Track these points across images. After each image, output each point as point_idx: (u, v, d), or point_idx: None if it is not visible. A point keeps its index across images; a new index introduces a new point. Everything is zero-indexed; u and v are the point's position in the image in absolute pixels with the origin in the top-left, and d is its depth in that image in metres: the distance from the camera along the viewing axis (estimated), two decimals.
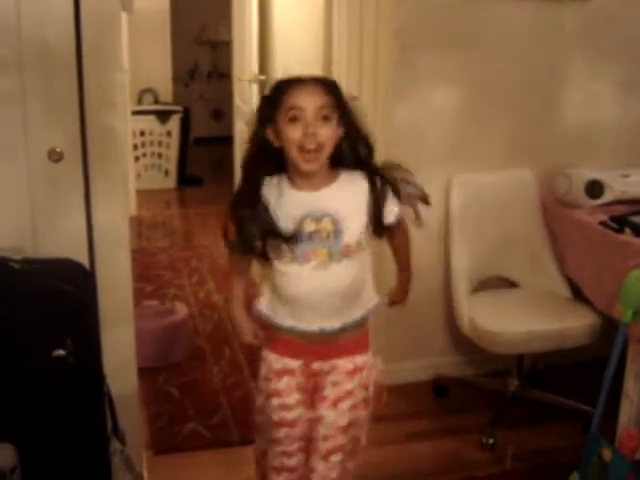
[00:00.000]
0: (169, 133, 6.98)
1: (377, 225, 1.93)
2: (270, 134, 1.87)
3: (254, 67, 5.35)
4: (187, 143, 7.22)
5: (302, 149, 1.80)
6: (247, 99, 5.52)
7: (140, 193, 6.35)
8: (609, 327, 2.78)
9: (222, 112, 8.18)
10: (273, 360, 2.00)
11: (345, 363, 1.97)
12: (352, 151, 1.91)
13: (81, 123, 2.22)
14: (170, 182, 7.09)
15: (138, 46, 6.33)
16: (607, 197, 3.10)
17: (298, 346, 1.97)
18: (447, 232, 3.24)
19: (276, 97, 1.84)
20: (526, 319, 3.02)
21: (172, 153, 7.03)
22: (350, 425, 1.98)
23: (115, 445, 2.29)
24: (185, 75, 8.62)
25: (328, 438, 1.97)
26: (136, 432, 2.56)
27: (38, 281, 2.09)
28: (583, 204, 3.10)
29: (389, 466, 2.53)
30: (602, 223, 2.92)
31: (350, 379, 1.97)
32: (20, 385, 2.06)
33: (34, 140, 2.22)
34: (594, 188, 3.09)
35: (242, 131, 5.87)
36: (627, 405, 2.63)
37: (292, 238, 1.86)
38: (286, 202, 1.87)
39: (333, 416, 1.96)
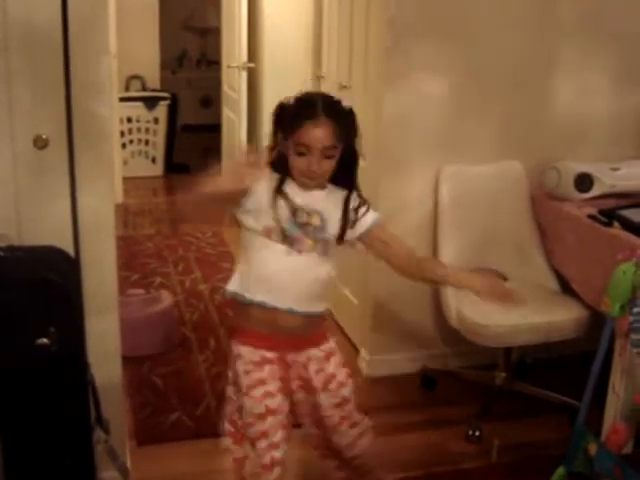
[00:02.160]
0: (156, 120, 6.92)
1: (344, 233, 2.09)
2: (280, 142, 2.03)
3: (243, 54, 5.32)
4: (175, 130, 7.17)
5: (303, 175, 2.00)
6: (236, 86, 5.49)
7: (127, 180, 6.30)
8: (597, 321, 2.78)
9: (210, 99, 8.11)
10: (249, 353, 2.09)
11: (316, 352, 2.15)
12: (340, 167, 2.06)
13: (67, 109, 2.19)
14: (157, 169, 7.04)
15: (126, 32, 6.26)
16: (596, 191, 3.09)
17: (270, 338, 2.08)
18: (435, 223, 3.22)
19: (291, 125, 1.98)
20: (513, 312, 2.98)
21: (159, 140, 6.98)
22: (343, 400, 2.18)
23: (99, 434, 2.28)
24: (173, 62, 8.54)
25: (331, 416, 2.18)
26: (120, 422, 2.55)
27: (21, 268, 2.07)
28: (572, 197, 3.09)
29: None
30: (591, 217, 2.92)
31: (327, 362, 2.16)
32: (2, 373, 2.05)
33: (19, 126, 2.19)
34: (583, 181, 3.08)
35: (229, 119, 5.85)
36: (614, 399, 2.64)
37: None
38: (288, 194, 2.03)
39: (327, 398, 2.16)
